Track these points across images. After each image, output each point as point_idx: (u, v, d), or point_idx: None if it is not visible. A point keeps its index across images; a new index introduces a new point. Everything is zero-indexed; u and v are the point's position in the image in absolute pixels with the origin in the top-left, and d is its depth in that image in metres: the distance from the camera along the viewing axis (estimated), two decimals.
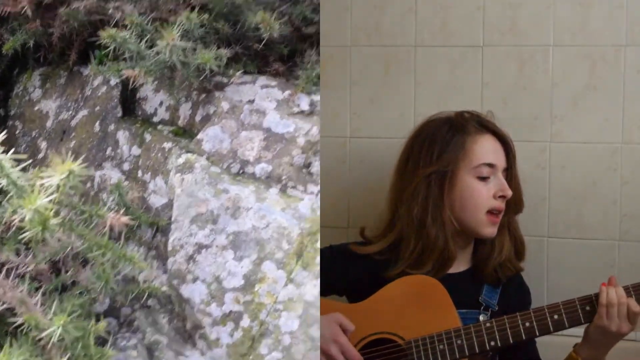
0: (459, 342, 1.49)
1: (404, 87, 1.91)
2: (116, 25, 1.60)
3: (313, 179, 1.53)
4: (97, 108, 1.84)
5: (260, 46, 1.63)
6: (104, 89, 1.85)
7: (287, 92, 1.61)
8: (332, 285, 1.62)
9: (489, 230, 1.58)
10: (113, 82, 1.83)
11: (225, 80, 1.65)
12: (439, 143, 1.57)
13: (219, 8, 1.65)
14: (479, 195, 1.56)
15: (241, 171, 1.55)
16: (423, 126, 1.63)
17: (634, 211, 1.81)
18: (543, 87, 1.84)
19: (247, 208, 1.49)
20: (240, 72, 1.64)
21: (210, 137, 1.59)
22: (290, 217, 1.47)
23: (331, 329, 1.45)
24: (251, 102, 1.61)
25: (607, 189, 1.82)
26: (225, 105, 1.61)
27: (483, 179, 1.56)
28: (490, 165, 1.57)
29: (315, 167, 1.53)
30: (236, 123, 1.59)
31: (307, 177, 1.53)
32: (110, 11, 1.66)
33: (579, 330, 1.52)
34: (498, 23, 1.86)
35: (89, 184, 1.75)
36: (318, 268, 1.41)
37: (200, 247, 1.48)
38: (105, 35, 1.50)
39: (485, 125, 1.60)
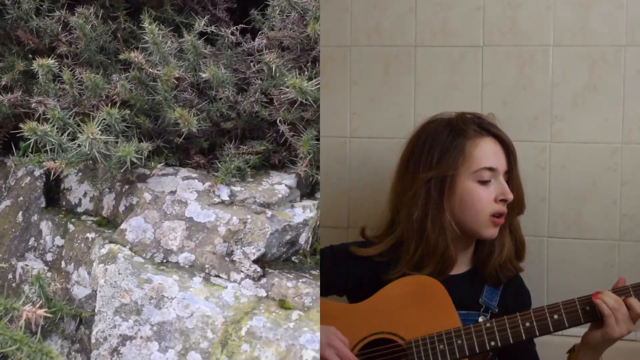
0: (459, 342, 1.49)
1: (404, 87, 1.91)
2: (39, 118, 1.64)
3: (235, 267, 1.55)
4: (21, 198, 1.86)
5: (181, 140, 1.72)
6: (27, 179, 1.88)
7: (208, 184, 1.67)
8: (333, 285, 1.62)
9: (491, 231, 1.57)
10: (37, 172, 1.86)
11: (147, 172, 1.71)
12: (439, 147, 1.56)
13: (139, 104, 1.73)
14: (480, 200, 1.55)
15: (165, 260, 1.58)
16: (423, 128, 1.61)
17: (634, 211, 1.81)
18: (543, 87, 1.84)
19: (171, 298, 1.50)
20: (162, 164, 1.72)
21: (134, 227, 1.62)
22: (214, 306, 1.49)
23: (326, 335, 1.46)
24: (173, 192, 1.66)
25: (607, 189, 1.82)
26: (147, 196, 1.65)
27: (484, 182, 1.56)
28: (491, 169, 1.56)
29: (238, 255, 1.56)
30: (159, 213, 1.63)
31: (229, 265, 1.56)
32: (33, 105, 1.72)
33: (579, 330, 1.53)
34: (498, 23, 1.85)
35: (10, 275, 1.77)
36: (243, 357, 1.41)
37: (124, 339, 1.48)
38: (27, 128, 1.53)
39: (485, 128, 1.58)
